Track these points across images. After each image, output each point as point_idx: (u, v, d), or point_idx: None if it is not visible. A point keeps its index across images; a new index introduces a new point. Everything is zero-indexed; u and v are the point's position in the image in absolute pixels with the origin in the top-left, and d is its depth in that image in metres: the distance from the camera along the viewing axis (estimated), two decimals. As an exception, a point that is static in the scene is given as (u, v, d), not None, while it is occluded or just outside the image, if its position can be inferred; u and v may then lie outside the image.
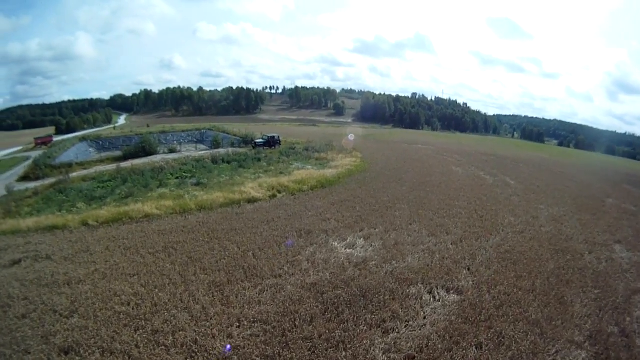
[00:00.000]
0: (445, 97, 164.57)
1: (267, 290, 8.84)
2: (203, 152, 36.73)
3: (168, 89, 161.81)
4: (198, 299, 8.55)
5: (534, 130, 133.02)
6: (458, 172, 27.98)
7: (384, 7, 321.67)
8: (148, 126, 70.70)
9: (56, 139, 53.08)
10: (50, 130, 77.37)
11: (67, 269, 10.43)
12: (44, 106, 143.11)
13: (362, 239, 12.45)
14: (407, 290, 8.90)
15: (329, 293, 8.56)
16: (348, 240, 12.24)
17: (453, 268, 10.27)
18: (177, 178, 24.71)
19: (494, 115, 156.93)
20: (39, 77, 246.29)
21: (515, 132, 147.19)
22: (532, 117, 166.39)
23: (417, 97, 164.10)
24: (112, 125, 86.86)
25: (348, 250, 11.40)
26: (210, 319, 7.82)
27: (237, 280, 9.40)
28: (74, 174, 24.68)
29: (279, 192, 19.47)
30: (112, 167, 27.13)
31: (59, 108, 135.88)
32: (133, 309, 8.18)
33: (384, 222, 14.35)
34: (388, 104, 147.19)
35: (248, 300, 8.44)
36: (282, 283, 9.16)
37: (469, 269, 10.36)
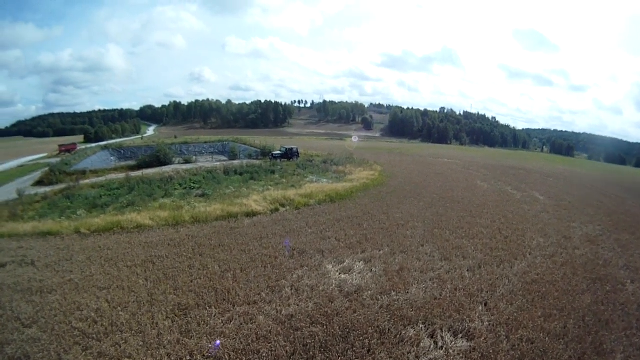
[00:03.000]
0: (473, 111, 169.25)
1: (235, 320, 7.94)
2: (218, 163, 37.16)
3: (197, 101, 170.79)
4: (157, 323, 7.89)
5: (563, 144, 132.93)
6: (483, 187, 26.60)
7: (410, 20, 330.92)
8: (175, 137, 73.60)
9: (81, 147, 56.45)
10: (79, 138, 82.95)
11: (44, 277, 10.50)
12: (74, 115, 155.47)
13: (362, 262, 11.23)
14: (403, 332, 7.55)
15: (304, 330, 7.45)
16: (345, 263, 11.08)
17: (466, 303, 8.75)
18: (184, 188, 24.86)
19: (522, 129, 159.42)
20: (71, 87, 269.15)
21: (544, 146, 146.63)
22: (561, 131, 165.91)
23: (445, 111, 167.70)
24: (139, 136, 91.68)
25: (342, 276, 10.23)
26: (163, 347, 7.10)
27: (205, 304, 8.60)
28: (86, 181, 25.67)
29: (283, 206, 18.79)
30: (124, 175, 27.90)
31: (90, 117, 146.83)
32: (89, 326, 7.85)
33: (392, 242, 13.04)
34: (416, 118, 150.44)
35: (210, 330, 7.57)
36: (255, 312, 8.20)
37: (485, 305, 8.80)
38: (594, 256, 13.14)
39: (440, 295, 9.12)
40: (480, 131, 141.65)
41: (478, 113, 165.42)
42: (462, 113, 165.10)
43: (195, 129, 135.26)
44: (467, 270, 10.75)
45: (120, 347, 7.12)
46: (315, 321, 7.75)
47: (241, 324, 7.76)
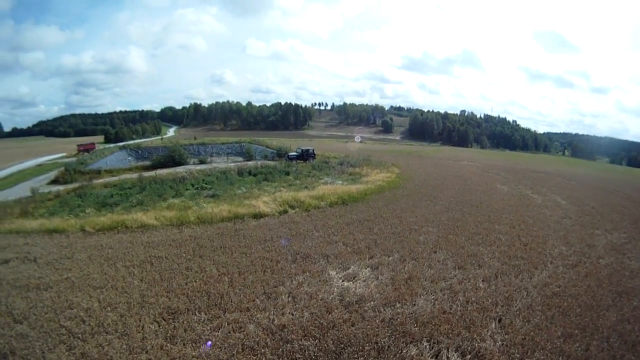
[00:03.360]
0: (494, 114, 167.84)
1: (223, 327, 7.48)
2: (232, 164, 37.30)
3: (217, 103, 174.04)
4: (143, 327, 7.59)
5: (584, 148, 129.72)
6: (503, 190, 25.53)
7: (430, 22, 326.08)
8: (195, 138, 74.90)
9: (100, 147, 58.18)
10: (99, 139, 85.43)
11: (43, 274, 10.54)
12: (96, 116, 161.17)
13: (368, 268, 10.57)
14: (404, 351, 6.82)
15: (294, 343, 6.87)
16: (350, 270, 10.45)
17: (478, 319, 7.92)
18: (196, 189, 24.91)
19: (543, 133, 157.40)
20: (93, 88, 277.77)
21: (565, 150, 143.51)
22: (582, 135, 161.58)
23: (465, 114, 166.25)
24: (159, 137, 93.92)
25: (345, 284, 9.61)
26: (145, 352, 6.78)
27: (196, 309, 8.22)
28: (100, 181, 26.23)
29: (292, 207, 18.37)
30: (137, 175, 28.29)
31: (110, 118, 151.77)
32: (77, 325, 7.73)
33: (403, 248, 12.29)
34: (436, 121, 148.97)
35: (196, 337, 7.17)
36: (245, 320, 7.72)
37: (499, 321, 7.93)
38: (620, 266, 12.02)
39: (450, 309, 8.31)
40: (500, 134, 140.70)
41: (499, 116, 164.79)
42: (482, 116, 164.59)
43: (215, 131, 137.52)
44: (482, 281, 9.88)
45: (104, 349, 6.91)
46: (309, 333, 7.16)
47: (229, 332, 7.29)
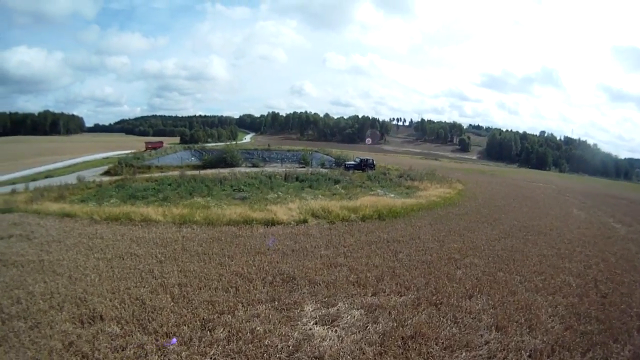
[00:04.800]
0: (574, 136, 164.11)
1: (126, 350, 5.80)
2: (283, 169, 36.70)
3: (295, 112, 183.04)
4: (53, 325, 6.59)
5: None
6: (579, 216, 21.85)
7: (509, 38, 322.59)
8: (269, 146, 77.92)
9: (167, 146, 63.42)
10: (175, 139, 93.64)
11: (26, 252, 10.73)
12: (176, 118, 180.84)
13: (361, 310, 7.71)
14: None
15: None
16: (335, 309, 7.73)
17: None
18: (234, 190, 24.49)
19: (624, 158, 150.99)
20: (175, 93, 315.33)
21: None
22: None
23: (545, 135, 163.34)
24: (234, 142, 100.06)
25: (315, 328, 6.94)
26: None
27: (118, 319, 6.76)
28: (145, 175, 27.50)
29: (317, 217, 16.43)
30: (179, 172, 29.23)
31: (190, 121, 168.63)
32: (10, 305, 7.29)
33: (426, 285, 9.07)
34: (514, 141, 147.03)
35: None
36: (154, 349, 5.81)
37: None
38: None
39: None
40: (580, 158, 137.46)
41: (579, 139, 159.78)
42: (562, 138, 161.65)
43: (291, 140, 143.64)
44: (529, 357, 6.30)
45: (10, 335, 6.18)
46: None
47: (128, 357, 5.54)
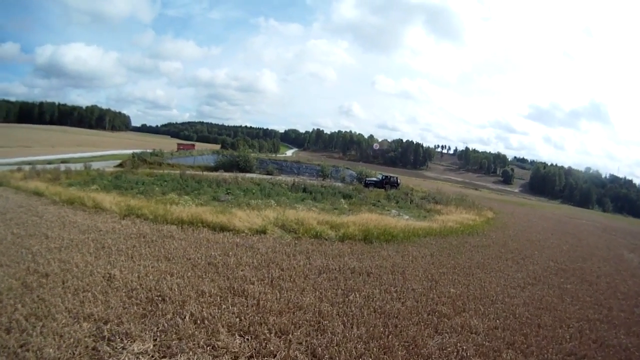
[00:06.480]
0: (620, 175, 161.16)
1: None
2: (295, 178, 35.96)
3: (339, 131, 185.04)
4: None
5: None
6: (632, 260, 18.86)
7: (558, 70, 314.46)
8: (308, 160, 78.34)
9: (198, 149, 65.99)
10: (216, 147, 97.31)
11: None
12: (221, 127, 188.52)
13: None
14: None
15: None
16: None
17: None
18: (227, 193, 24.16)
19: None
20: (224, 102, 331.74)
21: None
22: None
23: (590, 172, 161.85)
24: (273, 154, 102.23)
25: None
26: None
27: None
28: (148, 170, 28.55)
29: (286, 230, 14.32)
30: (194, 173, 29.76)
31: (235, 131, 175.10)
32: None
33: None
34: (558, 176, 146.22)
35: None
36: None
37: None
38: None
39: None
40: (625, 198, 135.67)
41: (625, 178, 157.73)
42: (607, 176, 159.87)
43: (333, 158, 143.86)
44: None
45: None
46: None
47: None
